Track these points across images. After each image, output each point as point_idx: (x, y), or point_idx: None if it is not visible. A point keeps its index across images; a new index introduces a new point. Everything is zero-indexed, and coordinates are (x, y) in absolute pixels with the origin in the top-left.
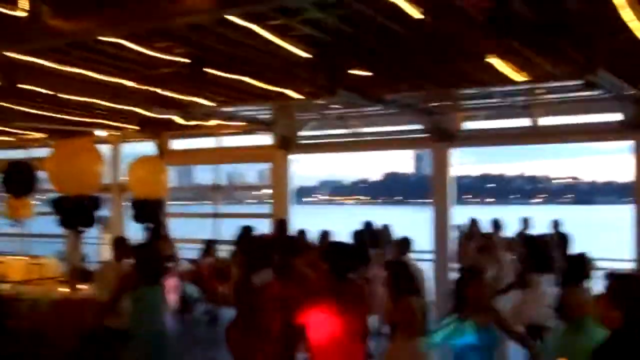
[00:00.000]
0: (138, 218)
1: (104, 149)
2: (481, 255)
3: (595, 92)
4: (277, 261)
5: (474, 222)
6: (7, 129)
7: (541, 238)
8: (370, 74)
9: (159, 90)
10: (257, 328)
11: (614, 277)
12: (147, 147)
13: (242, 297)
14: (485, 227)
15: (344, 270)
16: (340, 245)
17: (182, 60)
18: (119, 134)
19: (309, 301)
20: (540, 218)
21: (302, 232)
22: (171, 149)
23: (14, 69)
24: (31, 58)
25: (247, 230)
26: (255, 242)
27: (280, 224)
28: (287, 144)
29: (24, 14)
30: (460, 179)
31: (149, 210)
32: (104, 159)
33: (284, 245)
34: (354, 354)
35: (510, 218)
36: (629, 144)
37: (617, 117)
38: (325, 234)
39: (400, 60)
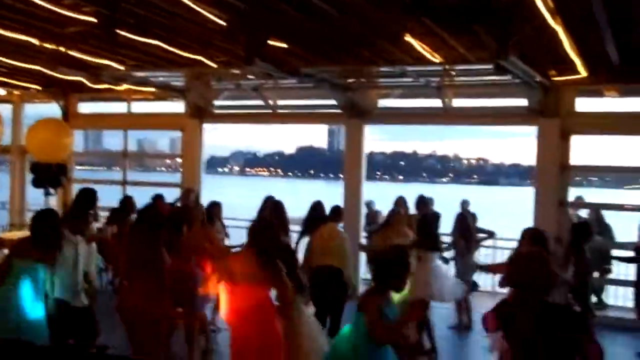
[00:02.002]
0: (38, 182)
1: (4, 108)
2: (386, 230)
3: (505, 77)
4: (165, 235)
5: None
6: None
7: (430, 217)
8: (287, 46)
9: (65, 50)
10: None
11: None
12: (53, 109)
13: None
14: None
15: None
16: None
17: (91, 19)
18: (20, 93)
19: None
20: (449, 196)
21: (215, 204)
22: (78, 112)
23: None
24: None
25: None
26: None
27: (186, 194)
28: (200, 112)
29: None
30: (373, 155)
31: (50, 175)
32: (1, 118)
33: (176, 217)
34: (262, 325)
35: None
36: (534, 129)
37: (524, 102)
38: (213, 204)
39: (318, 34)
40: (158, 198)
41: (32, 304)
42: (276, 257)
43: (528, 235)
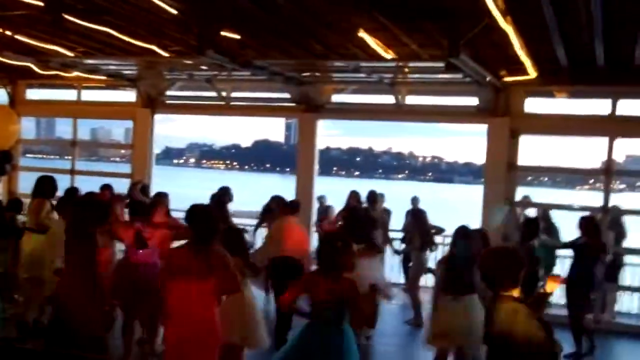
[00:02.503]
0: None
1: None
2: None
3: (457, 76)
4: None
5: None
6: None
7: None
8: (240, 37)
9: (11, 34)
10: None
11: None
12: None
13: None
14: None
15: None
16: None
17: (38, 3)
18: None
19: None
20: (404, 193)
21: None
22: (27, 99)
23: None
24: None
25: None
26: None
27: (133, 185)
28: (152, 102)
29: None
30: (330, 151)
31: None
32: None
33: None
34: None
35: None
36: (486, 128)
37: (474, 101)
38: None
39: (272, 27)
40: (105, 188)
41: None
42: (215, 241)
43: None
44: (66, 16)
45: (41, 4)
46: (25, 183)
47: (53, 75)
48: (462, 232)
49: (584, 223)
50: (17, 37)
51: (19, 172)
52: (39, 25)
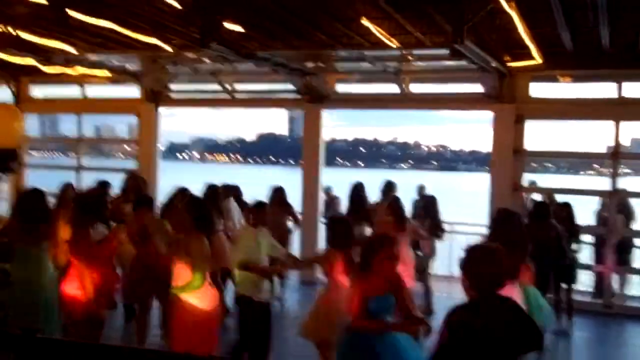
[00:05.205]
0: None
1: None
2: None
3: (461, 63)
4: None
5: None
6: None
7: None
8: (243, 29)
9: (14, 31)
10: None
11: (470, 249)
12: (3, 93)
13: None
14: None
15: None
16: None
17: (41, 1)
18: None
19: None
20: (409, 182)
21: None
22: (31, 96)
23: None
24: None
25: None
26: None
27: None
28: (156, 96)
29: None
30: (335, 142)
31: (0, 160)
32: None
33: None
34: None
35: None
36: (491, 115)
37: (479, 88)
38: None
39: (275, 18)
40: (103, 184)
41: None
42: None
43: None
44: (69, 12)
45: (44, 1)
46: (32, 180)
47: (57, 72)
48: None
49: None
50: (20, 34)
51: (26, 170)
52: (41, 21)
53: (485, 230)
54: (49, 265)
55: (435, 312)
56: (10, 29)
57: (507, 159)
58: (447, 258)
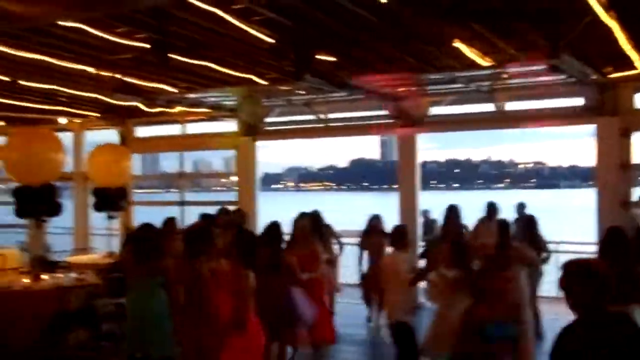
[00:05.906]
0: (99, 207)
1: (66, 137)
2: None
3: (559, 77)
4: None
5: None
6: None
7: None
8: (335, 59)
9: (120, 77)
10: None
11: (565, 265)
12: (111, 135)
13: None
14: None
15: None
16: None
17: (143, 45)
18: (80, 121)
19: None
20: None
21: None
22: (135, 137)
23: None
24: None
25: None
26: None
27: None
28: (253, 130)
29: None
30: (426, 164)
31: (111, 199)
32: (64, 147)
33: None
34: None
35: (476, 203)
36: (589, 129)
37: (580, 101)
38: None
39: (365, 45)
40: (205, 217)
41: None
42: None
43: None
44: (170, 55)
45: (147, 45)
46: (139, 217)
47: (158, 112)
48: None
49: None
50: (125, 78)
51: (133, 207)
52: (144, 65)
53: (593, 249)
54: (163, 296)
55: (544, 335)
56: (118, 75)
57: (614, 174)
58: (554, 279)
